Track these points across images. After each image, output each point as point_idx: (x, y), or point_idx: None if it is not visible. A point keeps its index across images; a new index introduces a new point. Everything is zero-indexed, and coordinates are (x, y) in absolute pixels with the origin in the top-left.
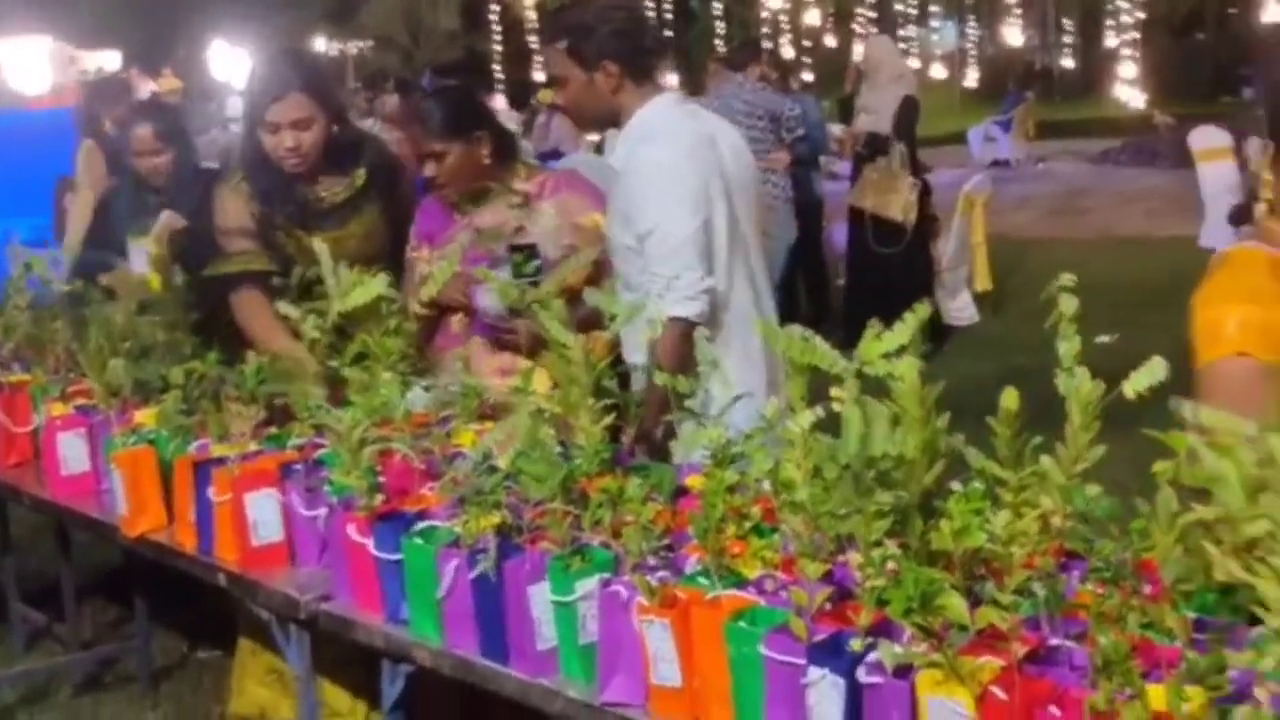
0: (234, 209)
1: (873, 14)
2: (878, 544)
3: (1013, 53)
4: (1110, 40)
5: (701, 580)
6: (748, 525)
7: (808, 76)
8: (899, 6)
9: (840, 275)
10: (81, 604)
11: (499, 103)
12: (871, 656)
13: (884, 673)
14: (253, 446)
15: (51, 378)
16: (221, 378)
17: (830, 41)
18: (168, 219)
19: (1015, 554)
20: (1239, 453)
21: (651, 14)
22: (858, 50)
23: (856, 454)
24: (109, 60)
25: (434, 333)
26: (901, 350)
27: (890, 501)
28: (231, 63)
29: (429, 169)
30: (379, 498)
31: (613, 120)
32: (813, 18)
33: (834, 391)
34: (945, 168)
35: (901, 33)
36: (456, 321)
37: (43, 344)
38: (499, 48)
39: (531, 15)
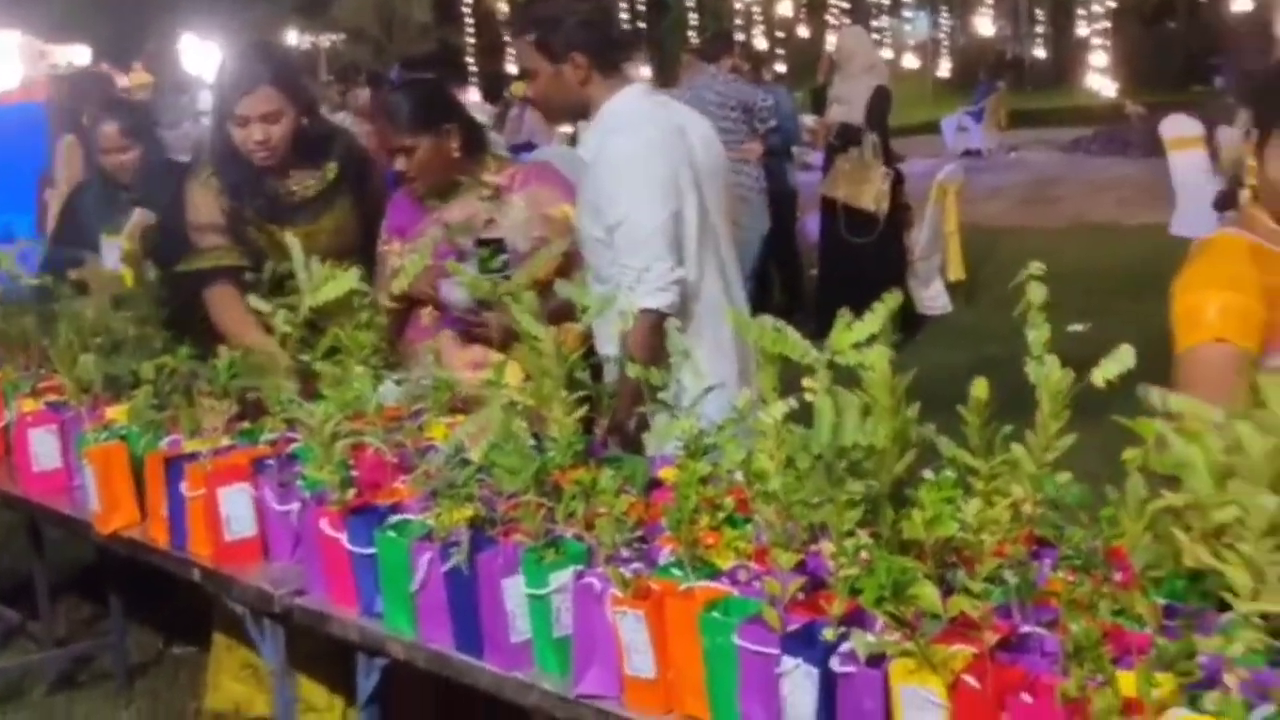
0: (204, 204)
1: (845, 5)
2: (850, 533)
3: (985, 43)
4: (1081, 29)
5: (675, 571)
6: (721, 516)
7: (781, 68)
8: None
9: (813, 265)
10: (55, 601)
11: (473, 96)
12: (844, 646)
13: (857, 662)
14: (225, 441)
15: (22, 374)
16: (193, 372)
17: (803, 32)
18: (140, 217)
19: (986, 542)
20: (1207, 439)
21: (624, 6)
22: (831, 41)
23: (828, 444)
24: (79, 55)
25: (404, 326)
26: (872, 340)
27: (862, 491)
28: (203, 56)
29: (399, 163)
30: (351, 492)
31: (582, 112)
32: (785, 9)
33: (805, 381)
34: (918, 157)
35: (874, 23)
36: (427, 315)
37: (13, 340)
38: (472, 40)
39: (504, 8)
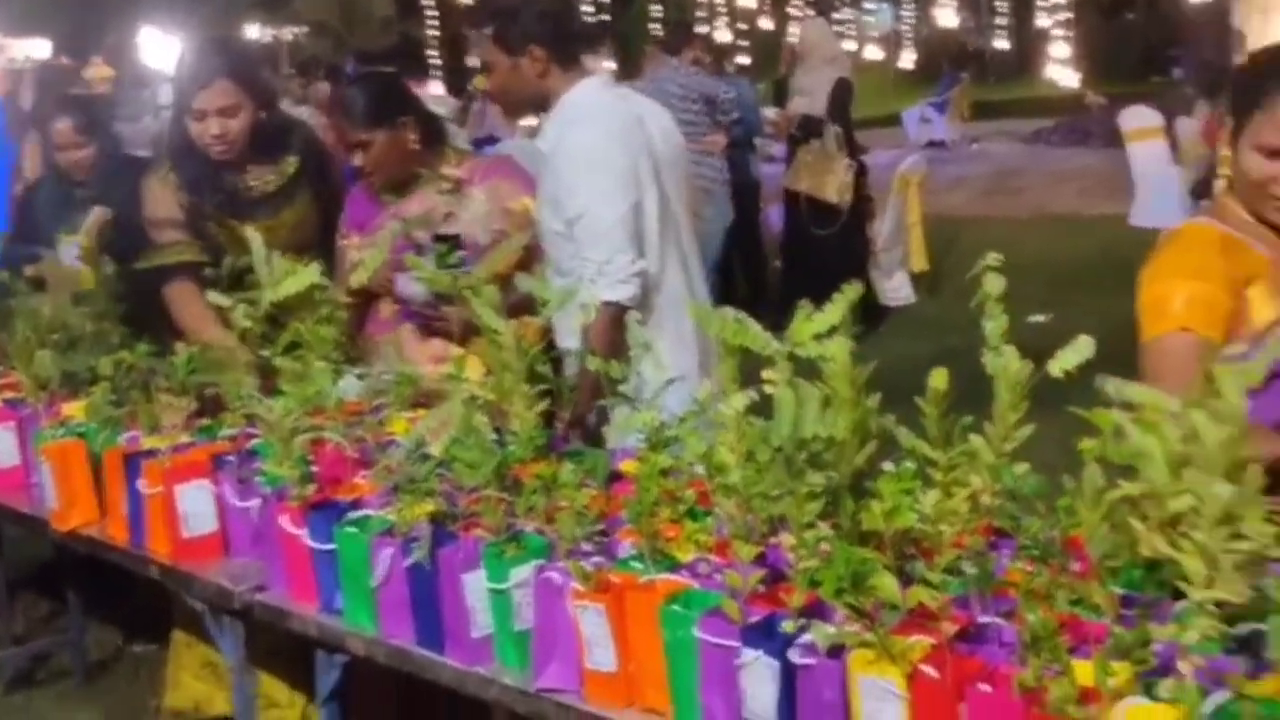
0: (163, 200)
1: None
2: (810, 525)
3: (947, 34)
4: (1042, 21)
5: (636, 564)
6: (682, 509)
7: (744, 60)
8: None
9: (777, 257)
10: (13, 599)
11: (436, 89)
12: (804, 637)
13: (817, 653)
14: (184, 438)
15: None
16: (151, 369)
17: (766, 24)
18: (98, 214)
19: (945, 533)
20: (1164, 429)
21: None
22: (794, 33)
23: (788, 436)
24: (38, 48)
25: (364, 320)
26: (833, 331)
27: (822, 483)
28: (164, 49)
29: (356, 158)
30: (312, 487)
31: (541, 105)
32: (748, 1)
33: (765, 373)
34: (881, 149)
35: (836, 15)
36: (387, 309)
37: None
38: (434, 34)
39: (466, 1)
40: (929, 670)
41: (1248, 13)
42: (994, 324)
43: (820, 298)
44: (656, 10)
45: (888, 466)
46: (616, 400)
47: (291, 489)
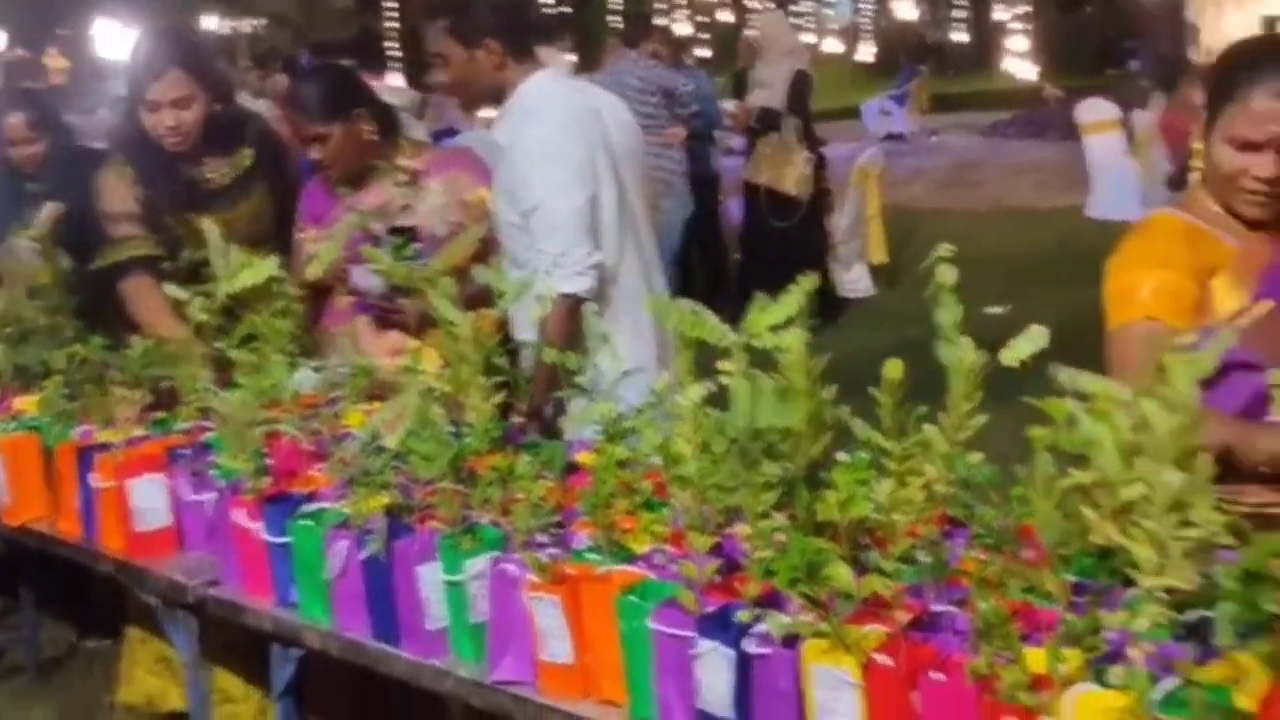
0: (118, 192)
1: None
2: (765, 515)
3: (906, 27)
4: (1000, 14)
5: (592, 556)
6: (638, 500)
7: (703, 53)
8: None
9: (737, 250)
10: None
11: (396, 81)
12: (759, 627)
13: (772, 643)
14: (138, 432)
15: None
16: (105, 362)
17: (726, 17)
18: (51, 210)
19: (899, 522)
20: (1116, 418)
21: None
22: (753, 26)
23: (744, 427)
24: None
25: (320, 313)
26: (789, 322)
27: (777, 473)
28: (120, 40)
29: (313, 152)
30: (267, 480)
31: (498, 97)
32: None
33: (721, 364)
34: (840, 142)
35: (796, 8)
36: (343, 301)
37: None
38: (394, 26)
39: None
40: (883, 659)
41: (1201, 6)
42: (947, 314)
43: (779, 290)
44: (616, 3)
45: (843, 457)
46: (573, 392)
47: (246, 482)
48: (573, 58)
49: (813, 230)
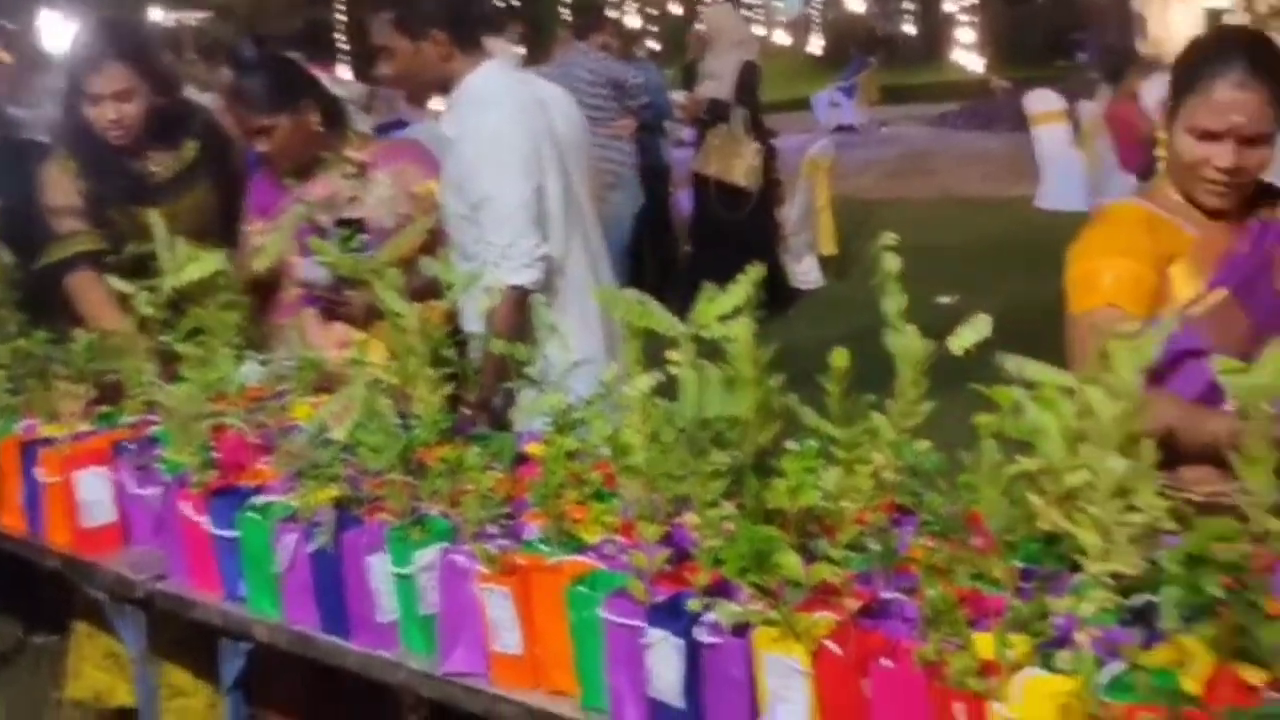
0: (61, 187)
1: None
2: (714, 504)
3: (855, 19)
4: (949, 6)
5: (542, 547)
6: (588, 491)
7: (654, 45)
8: None
9: (687, 241)
10: None
11: (344, 74)
12: (709, 616)
13: (722, 632)
14: (83, 426)
15: None
16: (49, 356)
17: (676, 9)
18: None
19: (848, 510)
20: (1061, 405)
21: None
22: (704, 17)
23: (692, 416)
24: None
25: (267, 305)
26: (737, 312)
27: (726, 462)
28: (65, 33)
29: (260, 145)
30: (213, 474)
31: (444, 89)
32: None
33: (669, 355)
34: (791, 133)
35: (746, 0)
36: (291, 294)
37: None
38: (342, 18)
39: None
40: (832, 646)
41: None
42: (893, 303)
43: (729, 281)
44: None
45: (792, 446)
46: (522, 383)
47: (193, 476)
48: (522, 50)
49: (763, 221)
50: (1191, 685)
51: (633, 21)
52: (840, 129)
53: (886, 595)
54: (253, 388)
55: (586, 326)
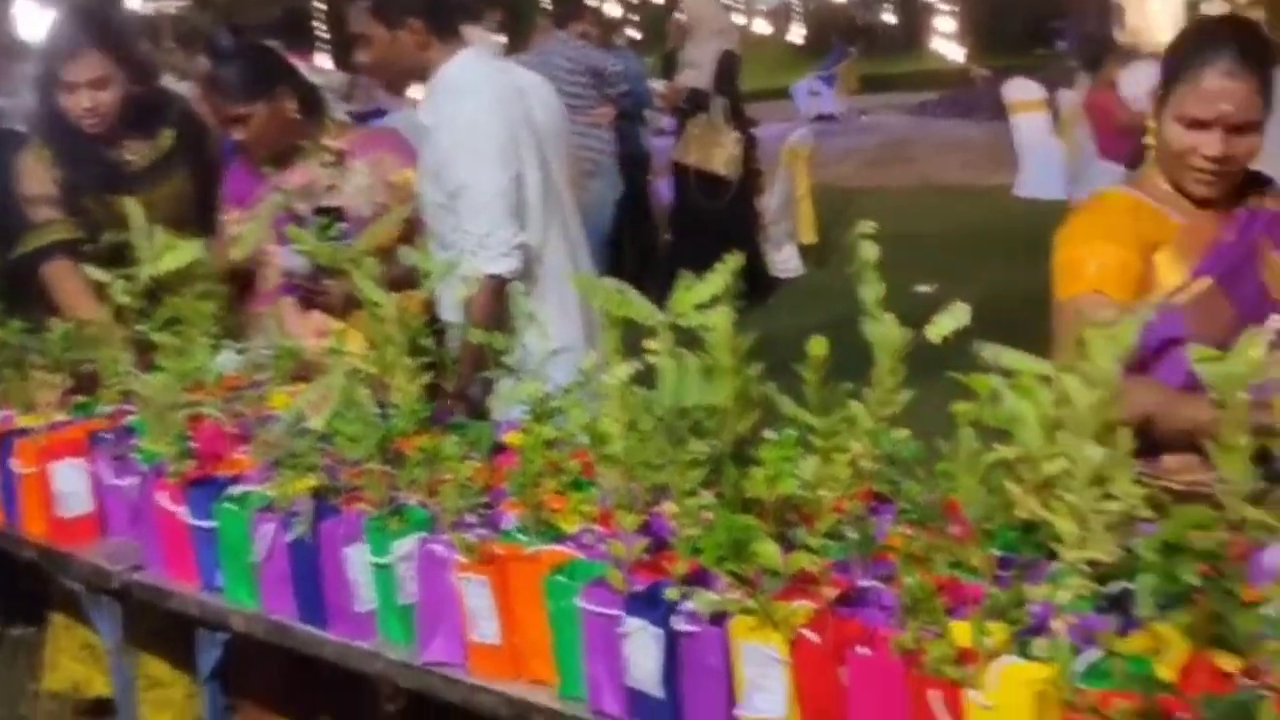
0: (37, 175)
1: None
2: (692, 493)
3: (835, 8)
4: None
5: (520, 536)
6: (566, 480)
7: (634, 34)
8: None
9: (667, 230)
10: None
11: (324, 62)
12: (687, 605)
13: (700, 621)
14: (59, 416)
15: None
16: (25, 346)
17: None
18: None
19: (825, 499)
20: (1038, 393)
21: None
22: (684, 6)
23: (670, 405)
24: None
25: (244, 294)
26: (715, 301)
27: (704, 450)
28: (41, 21)
29: (236, 133)
30: (190, 464)
31: (421, 78)
32: None
33: (648, 343)
34: (771, 122)
35: None
36: (268, 283)
37: None
38: (321, 6)
39: None
40: (810, 635)
41: None
42: (870, 291)
43: (709, 269)
44: None
45: (770, 434)
46: (501, 372)
47: (170, 466)
48: (502, 38)
49: (743, 210)
50: (1167, 672)
51: (613, 10)
52: (820, 118)
53: (864, 584)
54: (230, 377)
55: (565, 315)
